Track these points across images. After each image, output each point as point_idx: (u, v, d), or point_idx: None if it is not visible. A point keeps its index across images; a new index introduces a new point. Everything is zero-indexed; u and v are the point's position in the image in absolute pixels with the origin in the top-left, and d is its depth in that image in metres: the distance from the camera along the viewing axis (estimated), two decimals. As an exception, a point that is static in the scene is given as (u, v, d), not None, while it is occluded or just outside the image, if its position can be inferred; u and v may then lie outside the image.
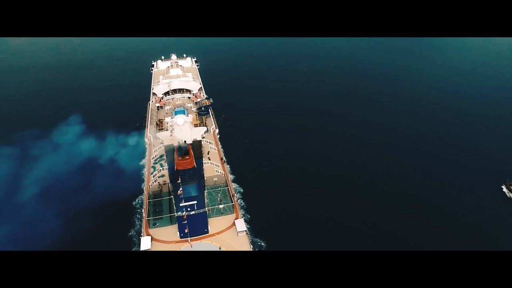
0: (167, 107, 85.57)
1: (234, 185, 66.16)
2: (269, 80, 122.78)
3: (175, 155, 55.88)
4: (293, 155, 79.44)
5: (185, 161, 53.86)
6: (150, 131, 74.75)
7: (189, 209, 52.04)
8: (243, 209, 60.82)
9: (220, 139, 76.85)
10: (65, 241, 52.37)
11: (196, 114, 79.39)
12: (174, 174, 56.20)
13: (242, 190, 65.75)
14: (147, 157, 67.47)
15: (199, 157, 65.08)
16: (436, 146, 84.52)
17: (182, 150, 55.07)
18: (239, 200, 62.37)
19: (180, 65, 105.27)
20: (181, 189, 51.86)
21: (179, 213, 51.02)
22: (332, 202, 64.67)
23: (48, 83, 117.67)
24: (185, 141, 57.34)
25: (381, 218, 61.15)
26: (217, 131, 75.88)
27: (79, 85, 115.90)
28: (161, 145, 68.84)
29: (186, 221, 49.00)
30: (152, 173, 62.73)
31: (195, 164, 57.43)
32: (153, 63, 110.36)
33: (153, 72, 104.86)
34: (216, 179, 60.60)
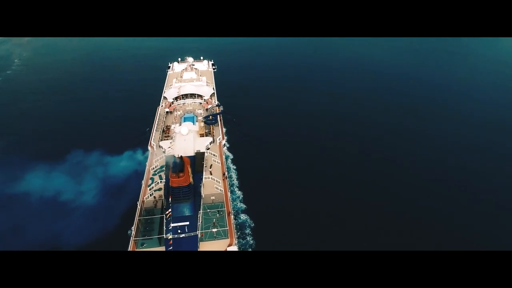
0: (176, 113, 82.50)
1: (239, 193, 63.54)
2: (290, 84, 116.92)
3: (170, 170, 52.27)
4: (295, 156, 77.67)
5: (179, 179, 49.98)
6: (154, 138, 71.81)
7: (179, 231, 48.23)
8: (247, 216, 58.00)
9: (229, 145, 73.99)
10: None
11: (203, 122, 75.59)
12: (169, 189, 52.63)
13: (243, 196, 62.85)
14: (147, 167, 64.08)
15: (199, 171, 61.32)
16: (439, 148, 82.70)
17: (177, 167, 51.21)
18: (243, 214, 58.86)
19: (195, 68, 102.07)
20: (169, 210, 48.11)
21: (168, 235, 47.40)
22: (332, 202, 63.71)
23: (64, 81, 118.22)
24: (181, 156, 53.39)
25: (382, 218, 60.62)
26: (223, 142, 71.63)
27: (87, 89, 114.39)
28: (163, 154, 65.61)
29: (171, 248, 45.02)
30: (149, 185, 59.45)
31: (191, 180, 53.53)
32: (169, 65, 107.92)
33: (168, 74, 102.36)
34: (214, 197, 56.23)
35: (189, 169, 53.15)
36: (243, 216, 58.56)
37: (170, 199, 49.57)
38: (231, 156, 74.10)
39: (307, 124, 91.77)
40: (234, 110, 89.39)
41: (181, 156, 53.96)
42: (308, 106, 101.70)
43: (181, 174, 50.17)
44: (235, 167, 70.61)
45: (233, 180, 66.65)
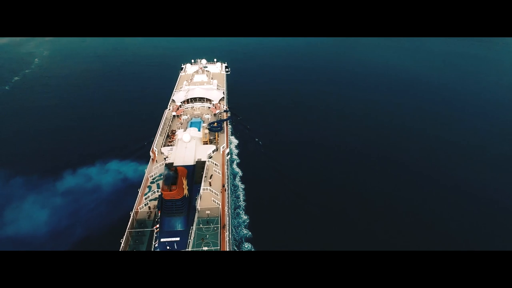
0: (184, 117, 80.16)
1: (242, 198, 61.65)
2: (307, 90, 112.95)
3: (162, 182, 49.59)
4: (295, 156, 77.29)
5: (171, 192, 47.15)
6: (157, 143, 69.59)
7: (168, 247, 45.40)
8: (250, 245, 54.27)
9: (239, 160, 72.91)
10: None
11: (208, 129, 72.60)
12: (162, 201, 49.95)
13: (249, 221, 59.05)
14: (146, 174, 61.75)
15: (198, 181, 58.37)
16: (440, 148, 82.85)
17: (170, 179, 48.40)
18: (247, 242, 54.89)
19: (207, 71, 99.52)
20: (157, 226, 45.41)
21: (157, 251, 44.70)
22: (332, 202, 63.59)
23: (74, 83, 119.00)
24: (175, 167, 50.56)
25: (382, 218, 60.47)
26: (227, 150, 68.29)
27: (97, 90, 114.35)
28: (164, 161, 63.20)
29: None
30: (145, 194, 57.14)
31: (186, 192, 50.59)
32: (182, 66, 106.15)
33: (179, 76, 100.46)
34: (209, 212, 53.05)
35: (184, 181, 50.21)
36: (246, 245, 54.33)
37: (159, 212, 46.87)
38: (240, 173, 70.96)
39: (315, 126, 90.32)
40: (247, 116, 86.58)
41: (175, 167, 51.04)
42: (314, 108, 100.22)
43: (173, 187, 47.21)
44: (243, 186, 67.10)
45: (240, 202, 62.88)
